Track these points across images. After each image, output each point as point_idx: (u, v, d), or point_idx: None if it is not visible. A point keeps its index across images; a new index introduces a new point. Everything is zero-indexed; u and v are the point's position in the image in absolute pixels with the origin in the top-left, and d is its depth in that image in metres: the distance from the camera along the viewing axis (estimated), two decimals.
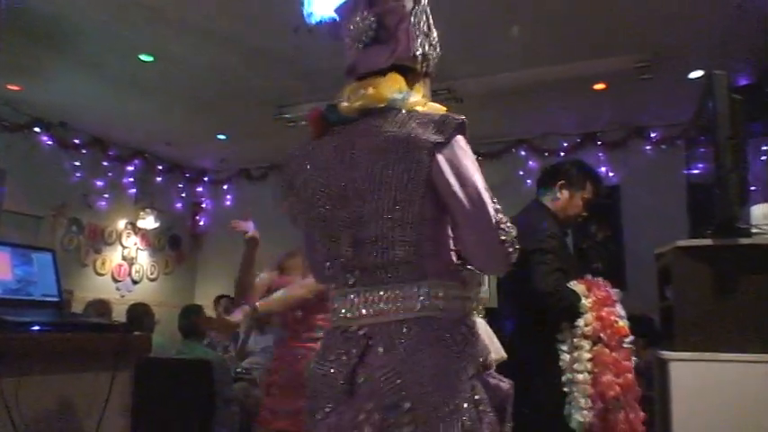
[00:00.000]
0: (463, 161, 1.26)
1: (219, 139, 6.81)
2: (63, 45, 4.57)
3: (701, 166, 3.09)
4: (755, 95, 4.36)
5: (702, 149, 2.96)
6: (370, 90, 1.32)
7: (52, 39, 4.45)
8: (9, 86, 5.25)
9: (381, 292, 1.26)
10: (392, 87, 1.32)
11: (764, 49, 4.27)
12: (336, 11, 1.47)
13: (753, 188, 3.10)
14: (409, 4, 1.40)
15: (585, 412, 2.34)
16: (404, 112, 1.30)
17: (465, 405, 1.19)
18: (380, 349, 1.23)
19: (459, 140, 1.28)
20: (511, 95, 5.11)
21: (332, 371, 1.27)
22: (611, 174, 5.94)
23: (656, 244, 4.07)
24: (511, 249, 1.25)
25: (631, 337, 2.50)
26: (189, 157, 7.55)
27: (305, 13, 3.28)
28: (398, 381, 1.18)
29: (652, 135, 5.83)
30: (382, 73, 1.35)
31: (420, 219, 1.25)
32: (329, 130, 1.36)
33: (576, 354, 2.42)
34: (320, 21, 3.32)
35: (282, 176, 1.40)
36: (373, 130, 1.28)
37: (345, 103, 1.33)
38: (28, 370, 1.84)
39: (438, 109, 1.35)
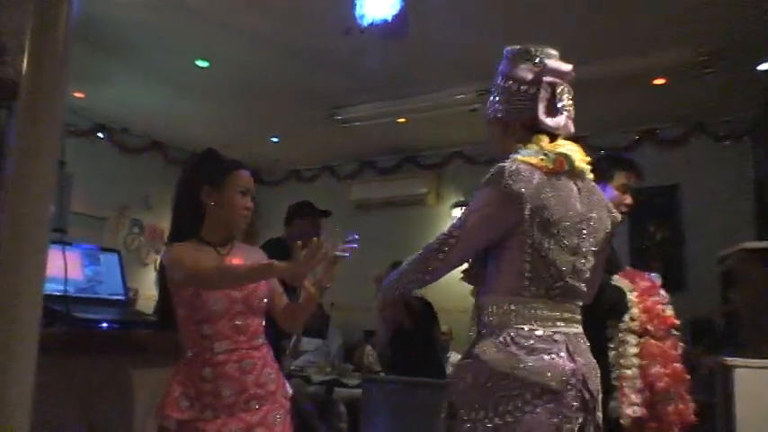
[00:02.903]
0: None
1: (272, 141, 6.92)
2: (123, 53, 4.73)
3: None
4: None
5: None
6: (582, 156, 1.73)
7: (113, 47, 4.61)
8: (74, 94, 5.45)
9: (574, 313, 1.66)
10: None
11: None
12: (555, 69, 1.76)
13: None
14: None
15: (636, 407, 2.32)
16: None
17: None
18: (577, 353, 1.59)
19: None
20: None
21: (549, 368, 1.54)
22: (670, 172, 5.77)
23: (719, 245, 3.93)
24: None
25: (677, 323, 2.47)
26: (243, 158, 7.67)
27: (357, 15, 3.32)
28: (596, 374, 1.63)
29: (715, 131, 5.61)
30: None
31: None
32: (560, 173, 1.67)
33: (621, 349, 2.41)
34: (372, 22, 3.35)
35: (512, 191, 1.58)
36: (594, 188, 1.77)
37: (574, 160, 1.68)
38: (97, 365, 1.90)
39: None
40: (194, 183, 2.06)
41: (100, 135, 6.33)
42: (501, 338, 1.58)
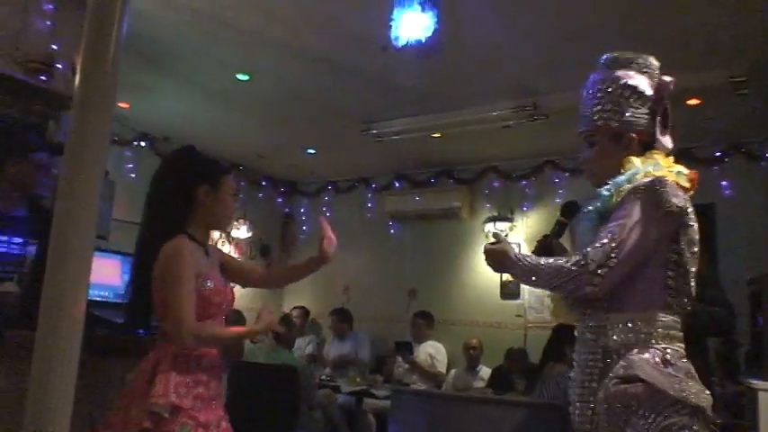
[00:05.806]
0: None
1: (309, 153, 7.06)
2: (167, 66, 4.91)
3: None
4: None
5: None
6: None
7: (157, 60, 4.79)
8: (118, 104, 5.66)
9: None
10: None
11: None
12: (670, 87, 1.74)
13: None
14: None
15: None
16: None
17: None
18: None
19: None
20: None
21: (703, 392, 1.55)
22: (706, 191, 5.69)
23: (752, 267, 3.88)
24: None
25: None
26: (280, 169, 7.86)
27: (392, 36, 3.41)
28: None
29: (752, 151, 5.54)
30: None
31: None
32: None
33: None
34: (406, 43, 3.43)
35: (672, 206, 1.58)
36: None
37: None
38: (133, 370, 1.99)
39: None
40: (191, 179, 2.08)
41: (142, 144, 6.54)
42: (653, 358, 1.53)
